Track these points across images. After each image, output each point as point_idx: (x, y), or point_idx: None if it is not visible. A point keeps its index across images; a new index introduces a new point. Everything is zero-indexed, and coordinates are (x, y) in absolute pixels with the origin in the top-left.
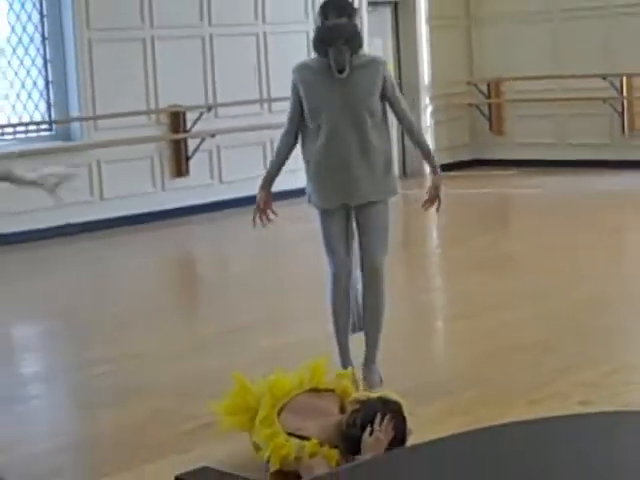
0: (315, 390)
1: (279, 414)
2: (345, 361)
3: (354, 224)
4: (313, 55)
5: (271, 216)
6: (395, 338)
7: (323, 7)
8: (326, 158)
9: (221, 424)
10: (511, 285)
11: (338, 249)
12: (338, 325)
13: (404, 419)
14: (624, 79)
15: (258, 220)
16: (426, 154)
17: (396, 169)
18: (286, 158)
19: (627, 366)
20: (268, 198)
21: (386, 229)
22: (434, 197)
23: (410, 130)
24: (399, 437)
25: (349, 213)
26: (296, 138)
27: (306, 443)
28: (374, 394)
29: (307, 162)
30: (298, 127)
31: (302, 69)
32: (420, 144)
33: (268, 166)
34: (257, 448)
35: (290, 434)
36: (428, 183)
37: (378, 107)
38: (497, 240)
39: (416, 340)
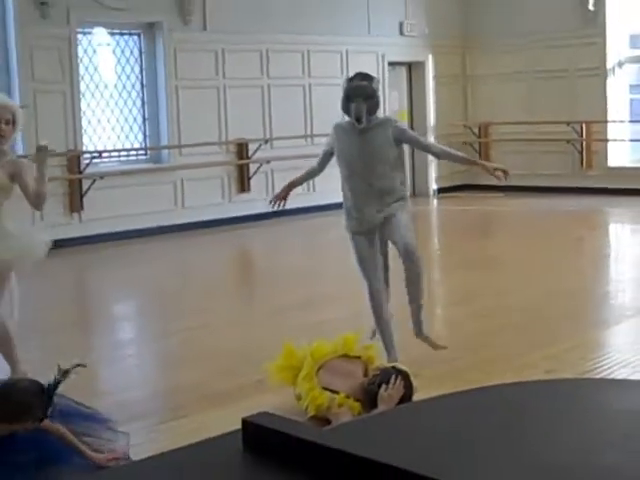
0: (346, 356)
1: (317, 372)
2: (390, 349)
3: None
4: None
5: (282, 204)
6: (404, 320)
7: (351, 77)
8: (351, 197)
9: (271, 380)
10: (494, 280)
11: (369, 266)
12: (381, 326)
13: (411, 384)
14: (583, 125)
15: (274, 203)
16: (465, 160)
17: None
18: (307, 179)
19: (583, 344)
20: (287, 193)
21: (409, 225)
22: (500, 170)
23: (438, 154)
24: (407, 396)
25: (374, 236)
26: (320, 170)
27: (336, 396)
28: (389, 365)
29: (343, 197)
30: (325, 164)
31: (338, 127)
32: (454, 157)
33: (298, 176)
34: (298, 398)
35: (324, 388)
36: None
37: (392, 155)
38: (484, 245)
39: None
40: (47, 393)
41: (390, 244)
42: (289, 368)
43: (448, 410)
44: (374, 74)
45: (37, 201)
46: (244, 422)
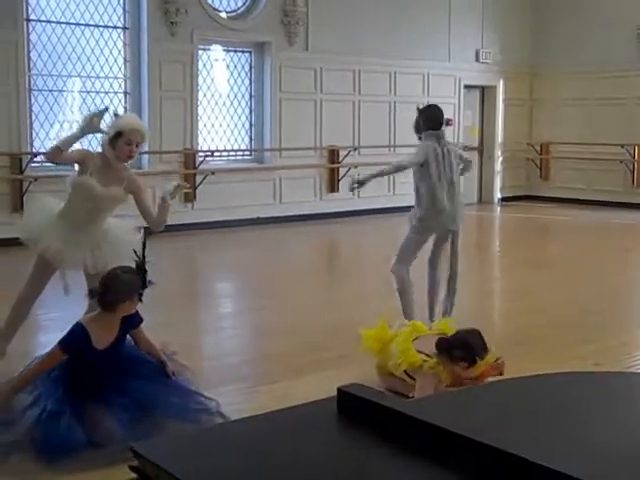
0: (441, 334)
1: (413, 341)
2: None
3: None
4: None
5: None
6: (466, 311)
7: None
8: None
9: (361, 346)
10: (548, 279)
11: None
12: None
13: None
14: (636, 148)
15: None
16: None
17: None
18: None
19: (629, 341)
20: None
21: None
22: None
23: None
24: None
25: None
26: None
27: (429, 359)
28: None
29: None
30: None
31: None
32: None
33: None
34: (379, 369)
35: (419, 352)
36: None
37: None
38: (540, 249)
39: (480, 313)
40: (141, 269)
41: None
42: (379, 340)
43: (513, 392)
44: (451, 95)
45: (158, 227)
46: (339, 390)
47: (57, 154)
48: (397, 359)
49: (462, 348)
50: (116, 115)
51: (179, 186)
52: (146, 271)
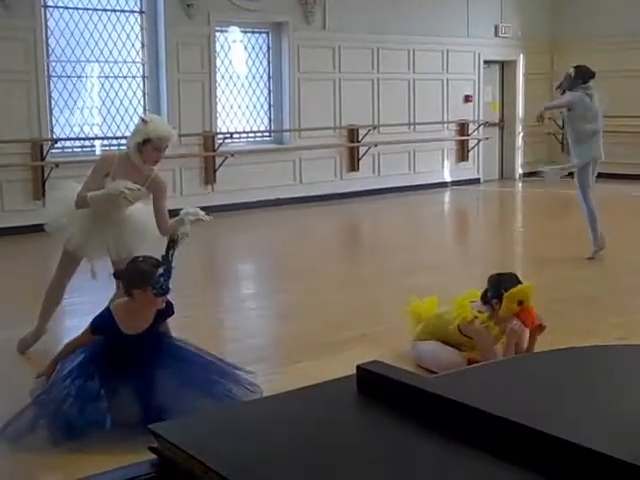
0: None
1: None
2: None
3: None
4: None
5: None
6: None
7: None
8: None
9: (405, 309)
10: (569, 253)
11: None
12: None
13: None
14: None
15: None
16: None
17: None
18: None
19: None
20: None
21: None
22: None
23: None
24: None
25: None
26: None
27: (481, 315)
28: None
29: None
30: None
31: None
32: None
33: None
34: (416, 333)
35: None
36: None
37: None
38: (562, 223)
39: None
40: (166, 262)
41: None
42: (426, 310)
43: (537, 366)
44: (471, 71)
45: (164, 234)
46: (358, 368)
47: (86, 205)
48: (453, 313)
49: (492, 287)
50: (143, 120)
51: (202, 219)
52: (169, 271)
